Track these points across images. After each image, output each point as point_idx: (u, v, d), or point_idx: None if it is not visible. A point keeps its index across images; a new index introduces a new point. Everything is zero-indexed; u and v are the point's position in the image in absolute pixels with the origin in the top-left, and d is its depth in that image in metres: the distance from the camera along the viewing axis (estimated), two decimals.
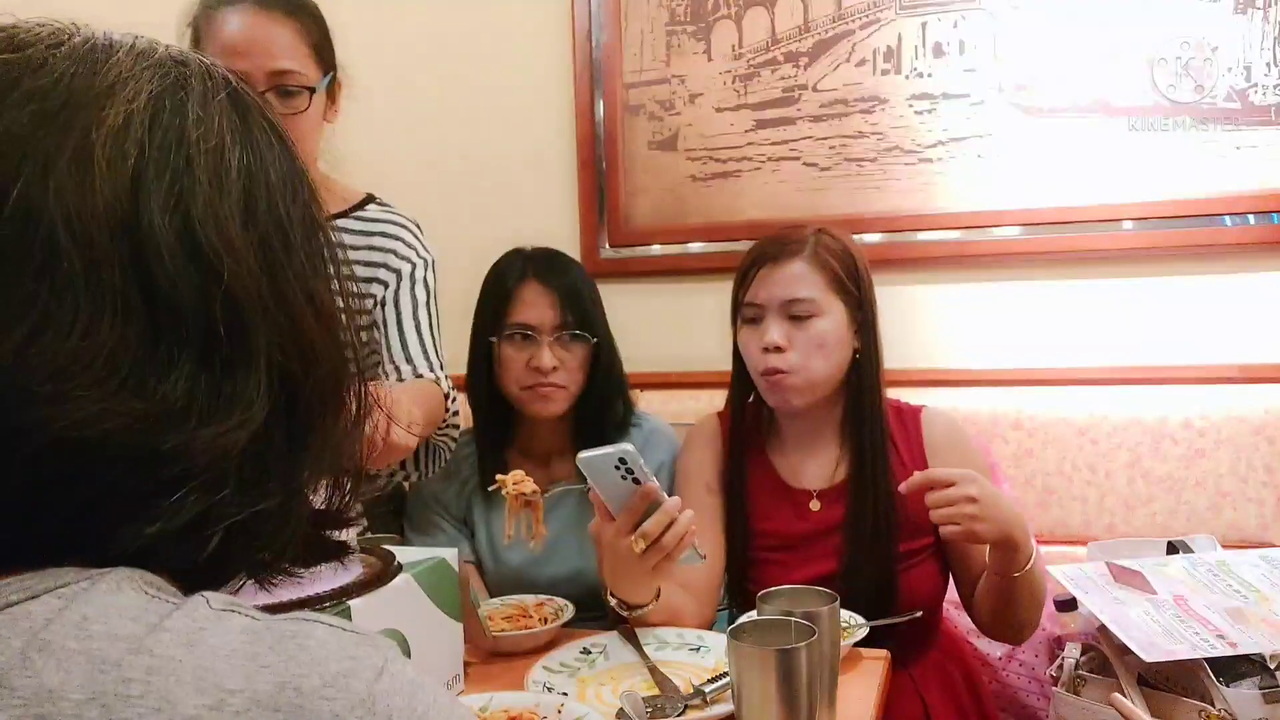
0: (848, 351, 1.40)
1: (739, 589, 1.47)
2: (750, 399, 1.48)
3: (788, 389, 1.38)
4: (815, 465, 1.45)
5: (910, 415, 1.45)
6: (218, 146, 0.46)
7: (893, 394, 1.48)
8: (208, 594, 0.43)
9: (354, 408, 0.53)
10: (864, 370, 1.41)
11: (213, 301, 0.44)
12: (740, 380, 1.47)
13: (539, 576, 1.50)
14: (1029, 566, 1.27)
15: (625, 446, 1.15)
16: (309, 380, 0.48)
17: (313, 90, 1.35)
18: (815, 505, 1.42)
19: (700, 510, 1.20)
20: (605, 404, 1.56)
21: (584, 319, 1.51)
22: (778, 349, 1.36)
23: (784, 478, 1.45)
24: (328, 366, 0.50)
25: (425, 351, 1.45)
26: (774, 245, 1.40)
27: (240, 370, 0.45)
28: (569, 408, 1.54)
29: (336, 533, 0.56)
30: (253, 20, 1.32)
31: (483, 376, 1.55)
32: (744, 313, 1.41)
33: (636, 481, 1.16)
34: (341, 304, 0.52)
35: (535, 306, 1.50)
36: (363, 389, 0.54)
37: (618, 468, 1.15)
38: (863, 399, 1.40)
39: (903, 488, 1.26)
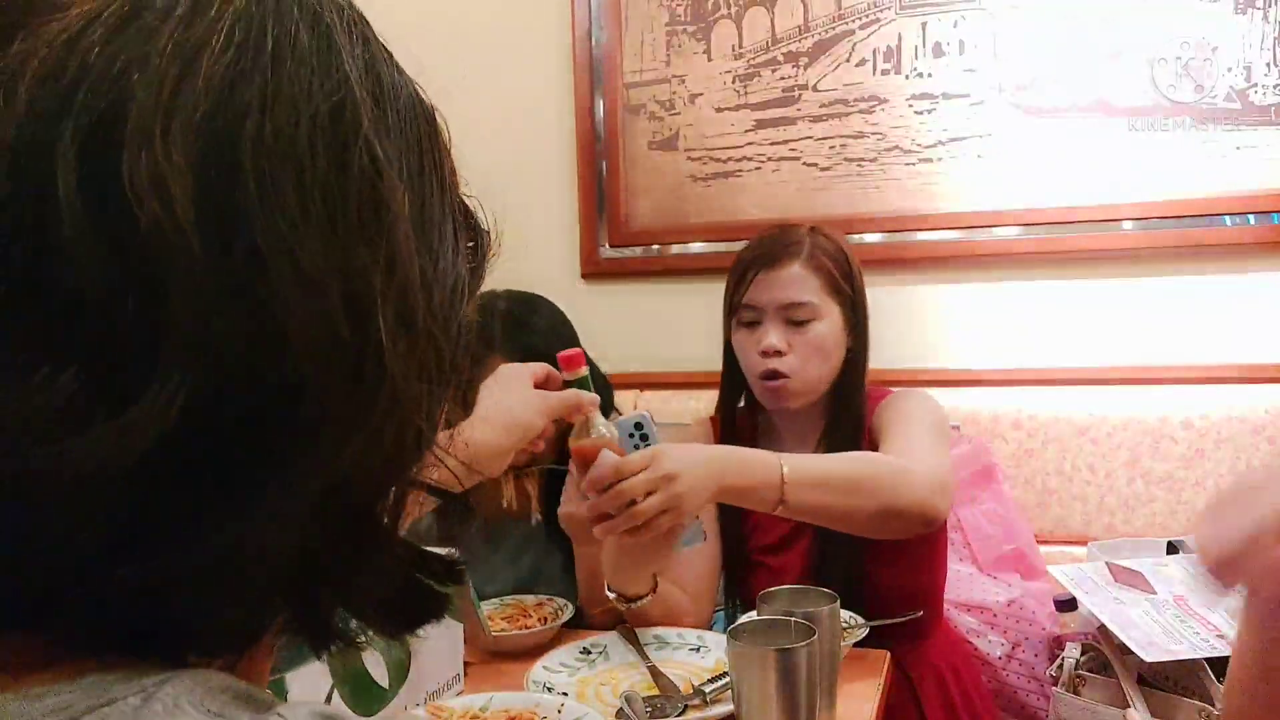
0: (842, 352, 1.40)
1: (735, 592, 1.46)
2: (741, 402, 1.47)
3: (787, 395, 1.37)
4: None
5: (873, 403, 1.43)
6: (199, 43, 0.31)
7: None
8: (284, 711, 0.32)
9: (393, 432, 0.35)
10: (852, 369, 1.40)
11: (116, 261, 0.29)
12: (731, 383, 1.46)
13: None
14: (788, 482, 1.13)
15: (642, 413, 1.15)
16: (266, 377, 0.31)
17: None
18: None
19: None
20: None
21: None
22: (777, 353, 1.35)
23: None
24: (318, 358, 0.32)
25: None
26: (771, 247, 1.39)
27: (143, 359, 0.30)
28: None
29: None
30: None
31: None
32: (741, 315, 1.40)
33: None
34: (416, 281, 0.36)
35: None
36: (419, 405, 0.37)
37: (632, 435, 1.15)
38: (848, 397, 1.40)
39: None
